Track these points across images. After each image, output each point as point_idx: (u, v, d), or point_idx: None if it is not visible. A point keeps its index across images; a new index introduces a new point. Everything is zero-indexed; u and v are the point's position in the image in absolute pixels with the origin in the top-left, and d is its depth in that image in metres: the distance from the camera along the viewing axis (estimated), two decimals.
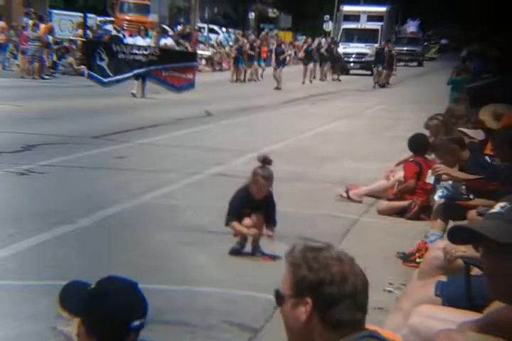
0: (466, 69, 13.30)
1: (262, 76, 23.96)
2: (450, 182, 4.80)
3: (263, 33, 35.47)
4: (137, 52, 14.95)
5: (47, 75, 18.73)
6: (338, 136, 11.27)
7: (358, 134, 11.66)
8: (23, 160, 7.44)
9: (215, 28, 36.72)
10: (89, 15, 24.01)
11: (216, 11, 43.99)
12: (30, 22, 18.74)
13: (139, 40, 16.45)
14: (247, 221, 4.60)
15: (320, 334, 1.58)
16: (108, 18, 28.98)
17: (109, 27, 25.72)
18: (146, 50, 15.16)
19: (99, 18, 27.36)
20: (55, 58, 20.85)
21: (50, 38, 20.14)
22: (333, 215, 5.99)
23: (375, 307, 3.67)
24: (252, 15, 45.85)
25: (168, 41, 20.17)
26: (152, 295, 3.86)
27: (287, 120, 13.08)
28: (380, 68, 23.88)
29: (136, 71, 14.75)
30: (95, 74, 14.92)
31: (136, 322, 1.75)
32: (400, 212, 6.06)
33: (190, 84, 15.05)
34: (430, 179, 5.34)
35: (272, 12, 49.90)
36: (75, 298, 1.81)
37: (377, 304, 3.69)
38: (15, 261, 4.30)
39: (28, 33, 18.39)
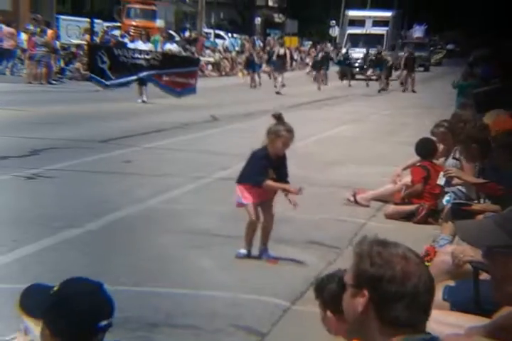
0: (472, 74, 13.26)
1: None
2: (459, 186, 4.78)
3: (269, 38, 35.54)
4: (139, 56, 14.91)
5: (54, 80, 18.82)
6: (344, 141, 11.26)
7: (363, 139, 11.65)
8: (30, 164, 7.46)
9: (222, 33, 36.86)
10: (96, 20, 24.13)
11: (222, 16, 44.14)
12: (37, 29, 18.82)
13: (140, 45, 16.46)
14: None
15: (377, 328, 1.59)
16: (115, 24, 29.16)
17: (116, 32, 25.86)
18: (147, 54, 15.14)
19: (106, 24, 27.52)
20: (62, 64, 20.95)
21: (58, 43, 20.24)
22: (341, 219, 5.98)
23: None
24: (258, 20, 46.00)
25: (172, 47, 20.21)
26: (159, 299, 3.89)
27: (293, 124, 13.04)
28: (377, 72, 24.01)
29: (137, 75, 14.72)
30: (97, 77, 14.90)
31: (104, 322, 1.74)
32: (407, 216, 6.05)
33: (192, 89, 14.89)
34: (441, 181, 5.32)
35: (278, 17, 50.02)
36: (38, 301, 1.78)
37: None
38: (19, 265, 4.31)
39: (36, 39, 18.50)
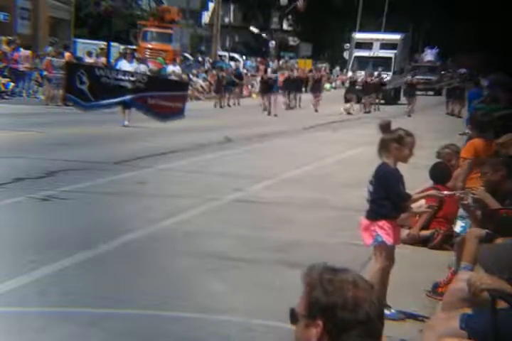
0: (491, 98, 13.21)
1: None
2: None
3: (282, 61, 35.82)
4: (123, 77, 13.60)
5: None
6: (359, 163, 11.21)
7: (379, 161, 11.59)
8: (45, 186, 7.51)
9: (236, 56, 37.27)
10: (112, 43, 24.51)
11: (237, 39, 44.67)
12: (52, 50, 19.15)
13: (125, 65, 15.46)
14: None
15: None
16: (131, 47, 29.66)
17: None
18: (132, 76, 13.70)
19: (122, 47, 27.99)
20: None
21: None
22: (355, 243, 5.91)
23: (398, 339, 3.60)
24: (272, 43, 46.44)
25: (176, 69, 20.19)
26: (171, 323, 3.85)
27: (307, 146, 13.09)
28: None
29: (120, 98, 13.44)
30: (75, 98, 13.42)
31: None
32: (423, 242, 5.98)
33: (179, 114, 13.44)
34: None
35: (292, 40, 50.49)
36: None
37: (400, 336, 3.62)
38: (36, 287, 4.30)
39: (54, 62, 18.81)
